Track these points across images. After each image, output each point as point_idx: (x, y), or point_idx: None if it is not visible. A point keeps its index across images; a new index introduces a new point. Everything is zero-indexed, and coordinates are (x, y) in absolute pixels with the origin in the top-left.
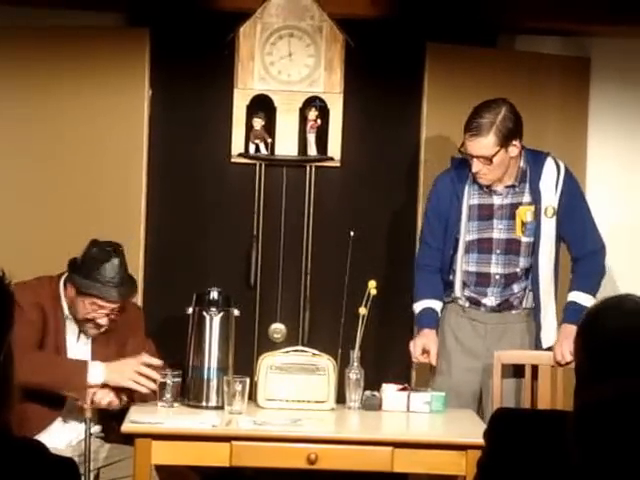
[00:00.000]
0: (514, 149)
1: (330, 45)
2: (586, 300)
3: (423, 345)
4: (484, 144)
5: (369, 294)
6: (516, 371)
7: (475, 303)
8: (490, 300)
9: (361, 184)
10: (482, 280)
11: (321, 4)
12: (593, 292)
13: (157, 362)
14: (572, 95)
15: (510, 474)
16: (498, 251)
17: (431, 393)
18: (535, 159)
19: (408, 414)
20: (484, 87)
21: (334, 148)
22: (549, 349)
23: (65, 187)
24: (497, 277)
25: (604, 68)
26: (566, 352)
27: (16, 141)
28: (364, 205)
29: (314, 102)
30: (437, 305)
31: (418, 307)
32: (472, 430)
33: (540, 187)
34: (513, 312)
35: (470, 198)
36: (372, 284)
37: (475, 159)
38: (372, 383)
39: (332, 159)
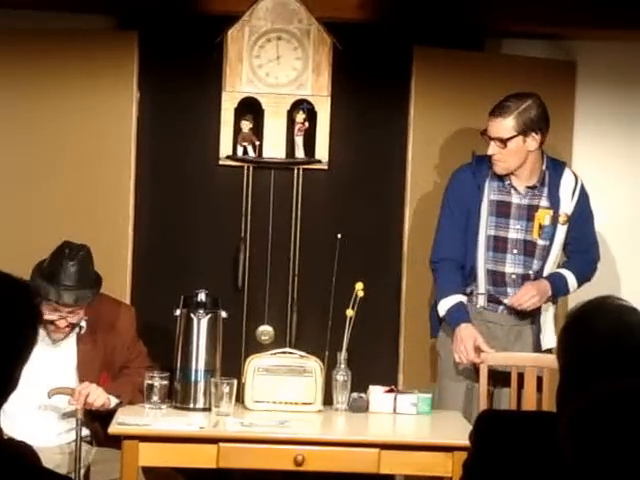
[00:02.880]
0: (532, 142)
1: (318, 48)
2: (571, 278)
3: (473, 343)
4: (502, 125)
5: (356, 296)
6: (496, 378)
7: (495, 302)
8: None
9: (348, 187)
10: (497, 279)
11: (309, 7)
12: (579, 280)
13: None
14: (558, 98)
15: (496, 475)
16: (515, 251)
17: (418, 395)
18: (554, 165)
19: (395, 416)
20: (471, 90)
21: (322, 151)
22: (548, 351)
23: (53, 189)
24: (513, 277)
25: (590, 71)
26: (525, 298)
27: (4, 142)
28: (351, 207)
29: (302, 105)
30: (465, 299)
31: (447, 303)
32: (459, 432)
33: (560, 194)
34: (526, 313)
35: (490, 193)
36: (359, 286)
37: (492, 142)
38: (359, 385)
39: (320, 162)
